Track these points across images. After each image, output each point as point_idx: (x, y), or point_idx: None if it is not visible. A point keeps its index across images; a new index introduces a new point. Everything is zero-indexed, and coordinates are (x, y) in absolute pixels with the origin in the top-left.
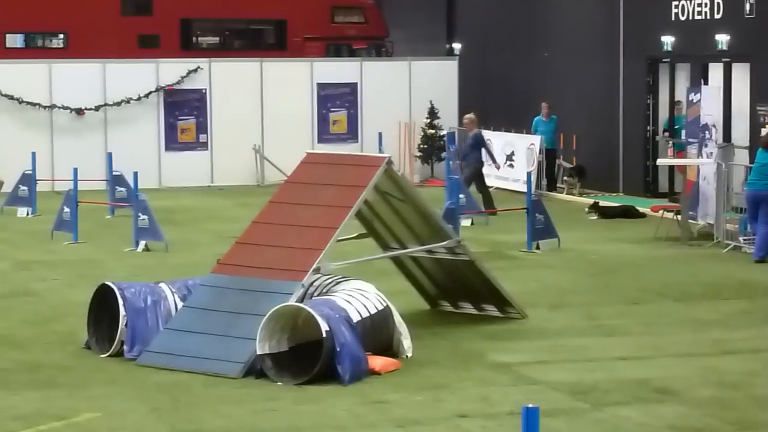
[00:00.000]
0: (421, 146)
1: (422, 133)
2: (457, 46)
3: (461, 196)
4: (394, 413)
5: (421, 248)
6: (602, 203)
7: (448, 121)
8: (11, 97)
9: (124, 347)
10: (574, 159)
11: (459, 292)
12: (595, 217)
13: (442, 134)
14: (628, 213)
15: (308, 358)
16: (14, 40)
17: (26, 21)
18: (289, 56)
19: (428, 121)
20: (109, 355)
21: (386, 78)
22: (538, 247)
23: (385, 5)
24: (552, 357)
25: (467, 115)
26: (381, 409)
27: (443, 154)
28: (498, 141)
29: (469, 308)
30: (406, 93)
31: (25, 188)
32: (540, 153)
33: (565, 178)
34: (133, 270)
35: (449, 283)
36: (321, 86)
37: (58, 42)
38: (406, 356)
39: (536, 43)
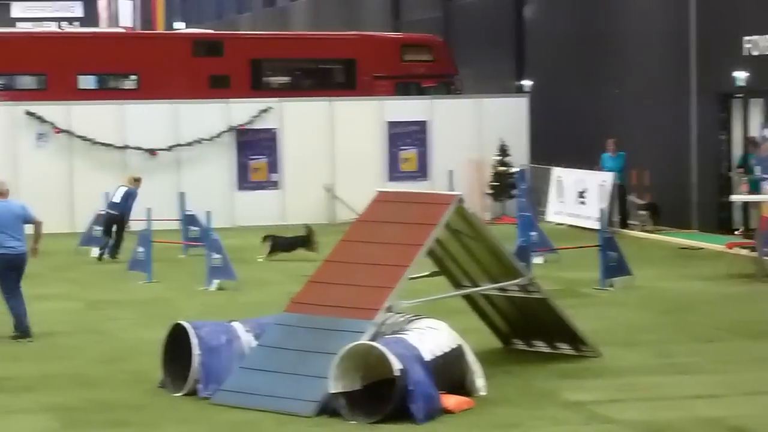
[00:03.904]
0: (492, 184)
1: (493, 171)
2: (526, 83)
3: (533, 233)
4: None
5: (493, 286)
6: (276, 234)
7: (519, 158)
8: (84, 138)
9: (198, 386)
10: (647, 195)
11: (532, 330)
12: (265, 254)
13: (512, 171)
14: (303, 243)
15: (381, 396)
16: (87, 82)
17: (99, 62)
18: (359, 95)
19: (499, 158)
20: (183, 394)
21: (456, 115)
22: (611, 285)
23: (453, 43)
24: (626, 395)
25: None
26: None
27: (514, 192)
28: (569, 178)
29: (541, 346)
30: (476, 130)
31: (99, 228)
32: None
33: (638, 213)
34: (206, 309)
35: (522, 321)
36: (391, 124)
37: (130, 83)
38: (479, 395)
39: (607, 79)
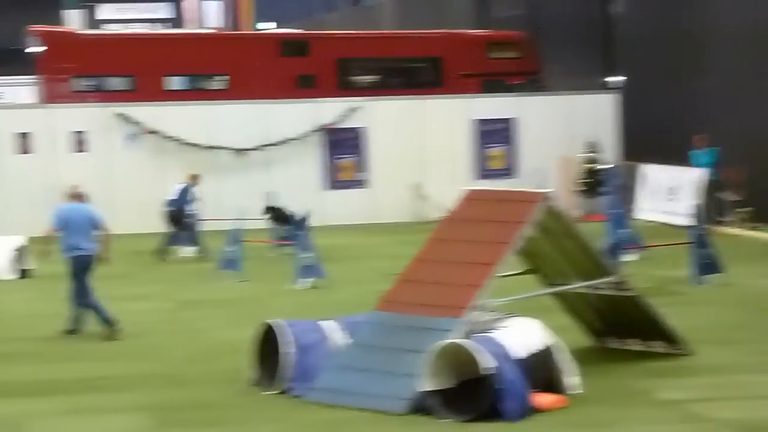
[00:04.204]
0: (581, 181)
1: (582, 168)
2: (615, 80)
3: (623, 230)
4: None
5: (585, 284)
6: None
7: (608, 155)
8: (174, 139)
9: (290, 384)
10: (742, 192)
11: (624, 328)
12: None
13: (602, 168)
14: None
15: (473, 395)
16: (176, 83)
17: (188, 64)
18: (446, 93)
19: (588, 155)
20: (275, 393)
21: (544, 112)
22: (704, 282)
23: (540, 40)
24: (720, 394)
25: None
26: None
27: (603, 189)
28: (660, 174)
29: (634, 344)
30: (564, 127)
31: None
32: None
33: (733, 210)
34: (297, 307)
35: (614, 319)
36: (478, 122)
37: (218, 84)
38: (572, 393)
39: (697, 73)
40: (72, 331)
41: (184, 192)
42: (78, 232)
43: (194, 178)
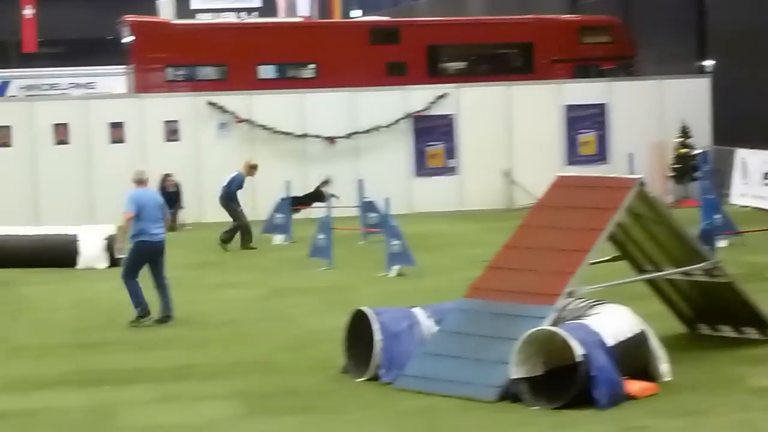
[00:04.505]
0: (674, 166)
1: (674, 153)
2: (708, 64)
3: (717, 216)
4: None
5: (677, 270)
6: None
7: (701, 139)
8: (265, 128)
9: (380, 371)
10: None
11: (717, 315)
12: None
13: (695, 153)
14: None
15: (564, 382)
16: (267, 72)
17: (278, 52)
18: (536, 79)
19: (680, 140)
20: (365, 380)
21: (636, 98)
22: None
23: (632, 24)
24: None
25: None
26: None
27: (696, 174)
28: (755, 159)
29: (727, 331)
30: (656, 112)
31: (281, 216)
32: None
33: None
34: (386, 295)
35: (707, 306)
36: (569, 108)
37: (309, 72)
38: (664, 380)
39: None
40: (164, 319)
41: (233, 181)
42: (149, 218)
43: (251, 168)
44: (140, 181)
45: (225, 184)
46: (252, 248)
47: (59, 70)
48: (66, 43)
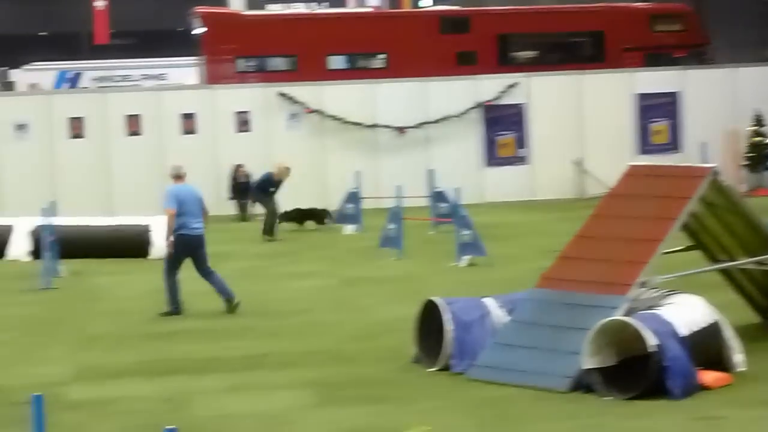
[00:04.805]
0: (748, 155)
1: (748, 142)
2: None
3: None
4: (727, 429)
5: (752, 260)
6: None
7: None
8: (335, 118)
9: (452, 361)
10: None
11: None
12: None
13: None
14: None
15: (636, 372)
16: (337, 62)
17: (348, 42)
18: (608, 68)
19: (754, 128)
20: (437, 370)
21: (709, 86)
22: None
23: (705, 12)
24: None
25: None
26: (713, 426)
27: None
28: None
29: None
30: (729, 100)
31: (352, 206)
32: None
33: None
34: (457, 285)
35: None
36: (641, 96)
37: (379, 62)
38: (738, 371)
39: None
40: (229, 302)
41: (264, 180)
42: (189, 212)
43: (282, 171)
44: (178, 176)
45: (256, 180)
46: (272, 239)
47: (131, 62)
48: (137, 34)
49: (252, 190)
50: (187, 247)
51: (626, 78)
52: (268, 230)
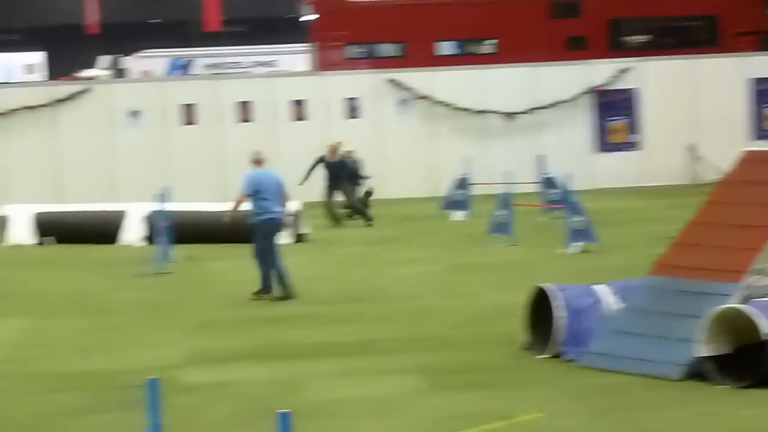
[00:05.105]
0: None
1: None
2: None
3: None
4: None
5: None
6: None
7: None
8: (445, 104)
9: (563, 348)
10: None
11: None
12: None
13: None
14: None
15: (751, 361)
16: (446, 48)
17: (458, 28)
18: (721, 52)
19: None
20: (547, 357)
21: None
22: None
23: None
24: None
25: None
26: None
27: None
28: None
29: None
30: None
31: (461, 192)
32: None
33: None
34: (567, 271)
35: None
36: (756, 81)
37: (488, 48)
38: None
39: None
40: (263, 291)
41: (318, 163)
42: (269, 197)
43: (331, 150)
44: (258, 161)
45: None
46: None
47: (242, 49)
48: (248, 21)
49: (331, 178)
50: (268, 230)
51: (740, 62)
52: (362, 215)
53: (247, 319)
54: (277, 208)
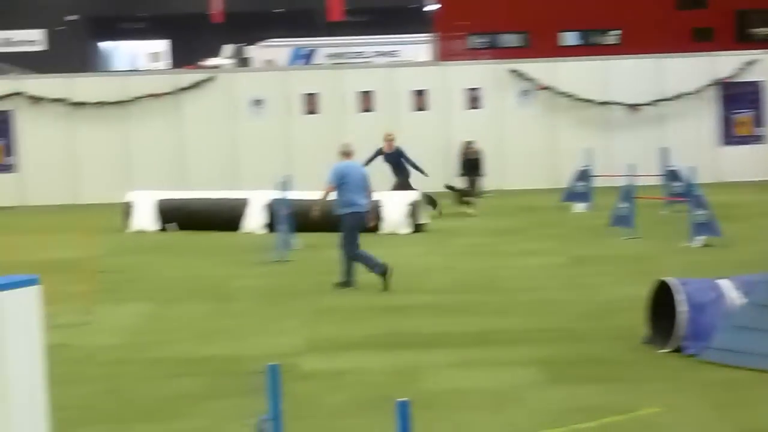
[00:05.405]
0: None
1: None
2: None
3: None
4: None
5: None
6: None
7: None
8: (567, 95)
9: (684, 343)
10: None
11: None
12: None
13: None
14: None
15: None
16: (569, 38)
17: (581, 19)
18: None
19: None
20: (668, 351)
21: None
22: None
23: None
24: None
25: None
26: None
27: None
28: None
29: None
30: None
31: (582, 184)
32: None
33: None
34: (690, 266)
35: None
36: None
37: (611, 39)
38: None
39: None
40: (345, 284)
41: (375, 156)
42: (355, 189)
43: (389, 141)
44: (346, 153)
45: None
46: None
47: (364, 39)
48: (371, 11)
49: (393, 169)
50: (356, 223)
51: None
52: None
53: (366, 307)
54: (362, 201)
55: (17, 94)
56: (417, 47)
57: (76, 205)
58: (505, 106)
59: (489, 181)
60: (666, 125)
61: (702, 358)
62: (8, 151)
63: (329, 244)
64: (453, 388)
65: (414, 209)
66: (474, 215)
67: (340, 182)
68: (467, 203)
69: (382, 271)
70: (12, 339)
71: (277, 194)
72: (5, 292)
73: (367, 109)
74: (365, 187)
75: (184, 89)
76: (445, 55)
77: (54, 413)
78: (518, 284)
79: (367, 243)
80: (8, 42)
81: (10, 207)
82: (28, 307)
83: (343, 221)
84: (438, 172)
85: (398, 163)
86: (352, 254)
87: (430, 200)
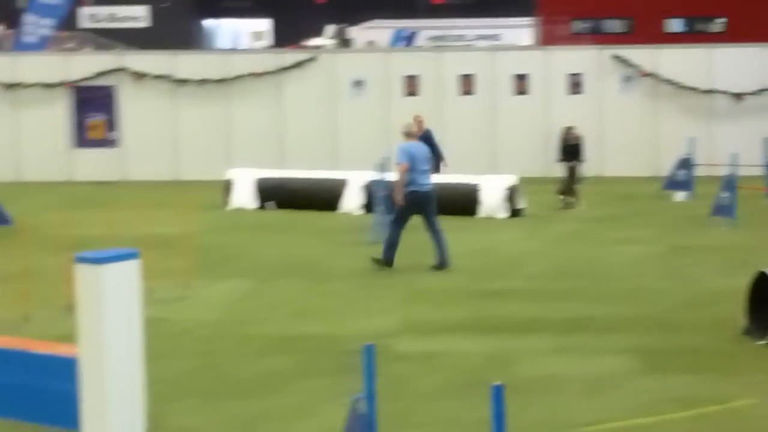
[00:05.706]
0: None
1: None
2: None
3: None
4: None
5: None
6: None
7: None
8: (670, 82)
9: None
10: None
11: None
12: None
13: None
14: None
15: None
16: (674, 25)
17: (687, 5)
18: None
19: None
20: (766, 343)
21: None
22: None
23: None
24: None
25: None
26: None
27: None
28: None
29: None
30: None
31: (684, 172)
32: None
33: None
34: None
35: None
36: None
37: (717, 26)
38: None
39: None
40: (440, 266)
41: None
42: (419, 169)
43: (418, 124)
44: (409, 134)
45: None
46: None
47: (466, 22)
48: None
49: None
50: (417, 203)
51: None
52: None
53: (461, 290)
54: (426, 180)
55: (120, 69)
56: (519, 31)
57: (177, 182)
58: (606, 93)
59: (588, 167)
60: None
61: None
62: (110, 126)
63: (423, 225)
64: (547, 374)
65: (512, 193)
66: (582, 208)
67: (409, 161)
68: (572, 194)
69: (387, 260)
70: (111, 312)
71: (375, 175)
72: (106, 265)
73: (467, 92)
74: (428, 168)
75: (285, 69)
76: (547, 39)
77: (149, 386)
78: (616, 272)
79: (463, 227)
80: (113, 18)
81: (112, 182)
82: (127, 281)
83: (410, 201)
84: (538, 158)
85: (428, 145)
86: (392, 228)
87: (569, 189)
